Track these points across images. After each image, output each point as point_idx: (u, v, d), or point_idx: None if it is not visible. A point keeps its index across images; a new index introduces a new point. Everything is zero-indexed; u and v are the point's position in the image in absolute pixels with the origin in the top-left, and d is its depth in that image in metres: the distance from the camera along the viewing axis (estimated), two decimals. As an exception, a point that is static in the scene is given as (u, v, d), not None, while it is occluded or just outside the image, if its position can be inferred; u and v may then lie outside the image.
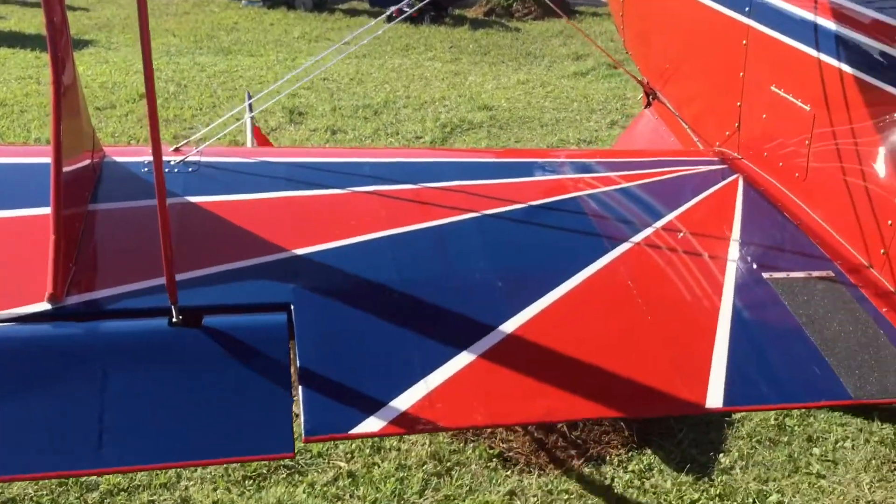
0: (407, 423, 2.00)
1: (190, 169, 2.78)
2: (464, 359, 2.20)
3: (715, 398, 2.17)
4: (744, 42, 3.41)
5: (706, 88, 3.85)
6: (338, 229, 2.65)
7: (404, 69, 9.65)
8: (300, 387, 2.04)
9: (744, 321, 2.45)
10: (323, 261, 2.50)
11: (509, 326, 2.33)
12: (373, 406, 2.01)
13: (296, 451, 1.88)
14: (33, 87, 8.31)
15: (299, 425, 1.94)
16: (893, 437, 3.52)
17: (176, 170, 2.75)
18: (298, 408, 2.00)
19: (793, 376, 2.30)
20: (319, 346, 2.17)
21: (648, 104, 4.46)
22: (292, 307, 2.23)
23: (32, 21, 11.77)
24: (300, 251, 2.50)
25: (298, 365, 2.09)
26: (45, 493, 3.20)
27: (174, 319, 2.04)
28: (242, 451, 1.93)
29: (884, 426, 3.57)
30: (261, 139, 4.08)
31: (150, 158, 2.69)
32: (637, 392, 2.21)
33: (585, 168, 3.40)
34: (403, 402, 2.04)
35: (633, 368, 2.26)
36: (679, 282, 2.65)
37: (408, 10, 10.40)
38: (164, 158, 2.68)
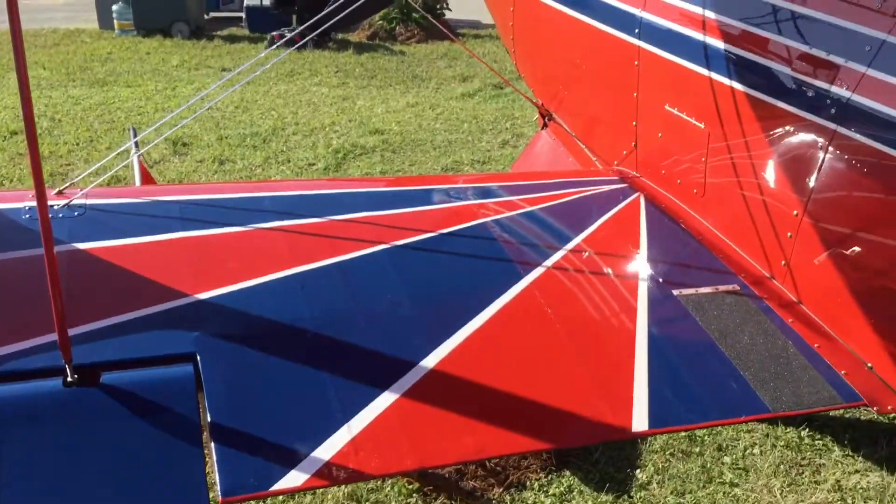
0: (332, 475, 1.90)
1: (76, 213, 2.59)
2: (386, 399, 2.11)
3: (640, 421, 2.16)
4: (636, 63, 3.48)
5: (601, 109, 3.91)
6: (241, 270, 2.52)
7: (291, 95, 9.49)
8: (213, 443, 1.91)
9: (660, 340, 2.47)
10: (228, 305, 2.37)
11: (430, 361, 2.27)
12: (293, 458, 1.90)
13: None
14: None
15: (214, 482, 1.81)
16: (798, 440, 3.63)
17: (61, 215, 2.55)
18: (212, 465, 1.87)
19: (713, 394, 2.32)
20: (230, 397, 2.05)
21: (545, 125, 4.51)
22: (198, 357, 2.10)
23: None
24: (202, 296, 2.36)
25: (209, 419, 1.96)
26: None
27: (69, 379, 1.88)
28: None
29: (787, 430, 3.68)
30: (144, 175, 3.87)
31: (33, 204, 2.51)
32: (566, 421, 2.18)
33: (490, 193, 3.38)
34: (326, 451, 1.94)
35: (560, 397, 2.23)
36: (594, 304, 2.65)
37: (288, 35, 10.27)
38: (48, 203, 2.50)
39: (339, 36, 12.84)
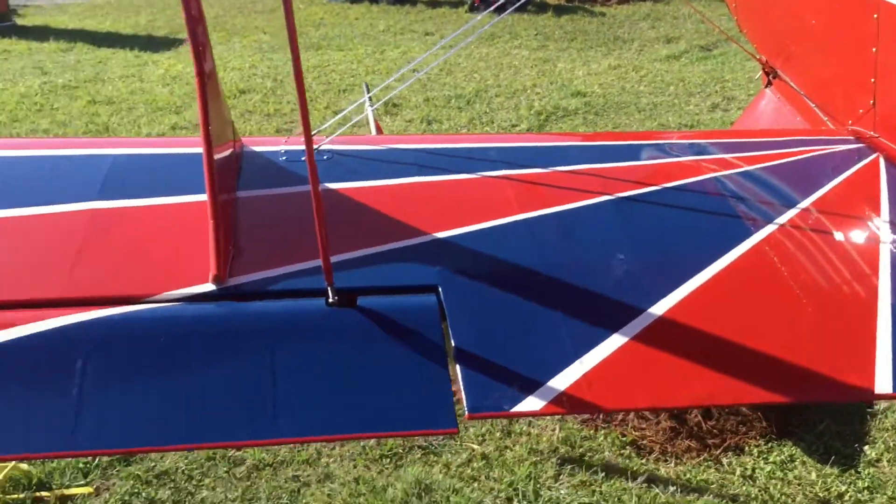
0: (566, 404, 1.97)
1: (325, 157, 2.81)
2: (616, 340, 2.15)
3: (884, 384, 2.07)
4: (875, 16, 3.26)
5: (835, 65, 3.69)
6: (472, 213, 2.64)
7: (492, 58, 9.61)
8: (458, 366, 2.03)
9: None
10: (463, 244, 2.49)
11: (659, 308, 2.28)
12: (530, 386, 1.99)
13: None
14: (137, 85, 8.58)
15: (459, 400, 1.94)
16: None
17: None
18: (456, 386, 2.00)
19: None
20: (471, 326, 2.17)
21: (769, 83, 4.32)
22: (440, 289, 2.23)
23: (127, 21, 12.14)
24: (440, 235, 2.49)
25: (454, 345, 2.09)
26: (195, 466, 3.30)
27: (331, 300, 2.07)
28: (407, 426, 1.94)
29: None
30: (377, 126, 4.15)
31: (287, 147, 2.76)
32: (802, 376, 2.12)
33: (712, 149, 3.30)
34: (560, 382, 2.01)
35: (795, 352, 2.18)
36: (831, 265, 2.54)
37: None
38: (297, 148, 2.73)
39: (539, -1, 12.80)
